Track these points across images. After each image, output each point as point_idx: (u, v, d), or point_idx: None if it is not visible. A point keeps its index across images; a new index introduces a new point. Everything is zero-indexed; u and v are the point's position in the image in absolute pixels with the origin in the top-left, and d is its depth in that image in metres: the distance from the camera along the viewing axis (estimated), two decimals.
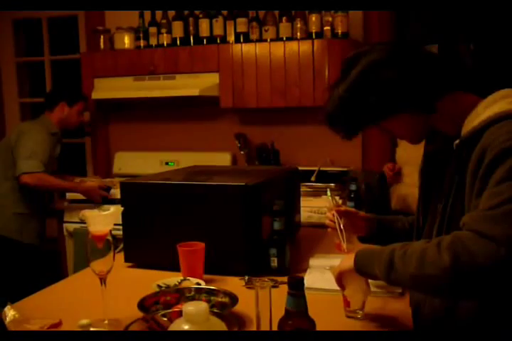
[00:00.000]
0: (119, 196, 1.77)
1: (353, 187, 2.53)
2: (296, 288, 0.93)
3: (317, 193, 2.91)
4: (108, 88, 3.34)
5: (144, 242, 1.75)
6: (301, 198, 2.40)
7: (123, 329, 1.06)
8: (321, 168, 3.14)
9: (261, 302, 0.99)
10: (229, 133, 3.39)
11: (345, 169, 3.16)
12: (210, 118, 3.55)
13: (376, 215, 1.59)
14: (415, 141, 1.33)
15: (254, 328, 1.07)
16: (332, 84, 1.27)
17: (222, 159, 3.41)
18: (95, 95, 3.33)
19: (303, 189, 3.02)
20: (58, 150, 3.14)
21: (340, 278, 1.28)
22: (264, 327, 1.03)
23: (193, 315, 0.79)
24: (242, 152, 3.33)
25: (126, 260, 1.79)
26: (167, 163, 3.51)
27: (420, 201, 1.38)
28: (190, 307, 0.79)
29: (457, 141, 1.18)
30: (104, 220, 1.26)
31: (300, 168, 2.59)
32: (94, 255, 1.28)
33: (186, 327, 0.80)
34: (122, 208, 1.29)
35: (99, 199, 3.00)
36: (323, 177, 3.10)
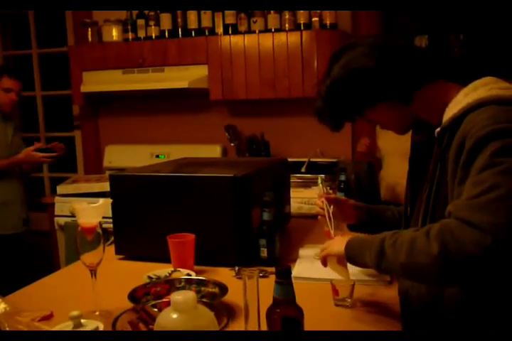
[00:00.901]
0: (108, 188, 1.77)
1: (342, 177, 2.54)
2: (284, 276, 0.94)
3: (307, 184, 2.92)
4: (97, 81, 3.32)
5: (135, 234, 1.76)
6: (292, 189, 2.41)
7: (113, 320, 1.07)
8: (311, 159, 3.15)
9: (249, 291, 1.00)
10: (219, 125, 3.39)
11: (335, 160, 3.17)
12: (199, 111, 3.55)
13: (366, 204, 1.60)
14: (400, 131, 1.34)
15: (242, 317, 1.09)
16: (319, 79, 1.31)
17: (212, 151, 3.41)
18: (84, 88, 3.32)
19: (293, 180, 3.03)
20: (9, 136, 2.97)
21: (326, 260, 1.31)
22: (253, 315, 1.04)
23: (181, 303, 0.80)
24: (232, 144, 3.33)
25: (117, 252, 1.80)
26: (157, 156, 3.51)
27: (408, 190, 1.40)
28: (177, 297, 0.80)
29: (438, 129, 1.20)
30: (93, 212, 1.27)
31: (290, 159, 2.60)
32: (84, 247, 1.29)
33: (174, 316, 0.81)
34: (111, 200, 1.30)
35: (43, 160, 2.88)
36: (314, 168, 3.11)
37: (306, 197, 2.58)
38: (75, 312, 1.13)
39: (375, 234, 1.42)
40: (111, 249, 1.82)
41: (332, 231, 1.44)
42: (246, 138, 3.33)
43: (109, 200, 1.31)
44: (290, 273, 0.95)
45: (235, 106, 3.47)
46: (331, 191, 1.70)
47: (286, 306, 0.96)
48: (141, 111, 3.68)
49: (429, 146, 1.30)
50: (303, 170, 3.11)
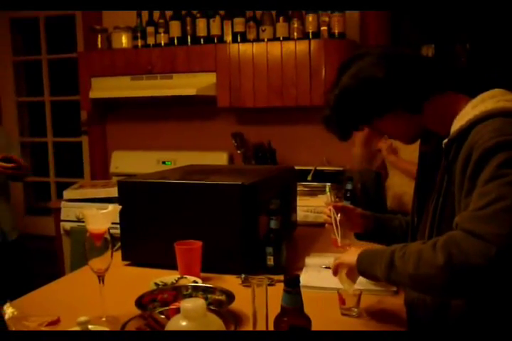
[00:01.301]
0: (114, 194, 1.78)
1: (349, 186, 2.55)
2: (292, 285, 0.94)
3: (313, 192, 2.92)
4: (105, 87, 3.34)
5: (142, 241, 1.77)
6: (298, 197, 2.42)
7: (121, 327, 1.07)
8: (318, 168, 3.16)
9: (257, 299, 1.01)
10: (226, 133, 3.40)
11: (341, 168, 3.17)
12: (207, 118, 3.56)
13: (373, 213, 1.60)
14: (408, 141, 1.35)
15: (250, 325, 1.09)
16: (328, 89, 1.31)
17: (219, 158, 3.42)
18: (93, 94, 3.34)
19: (299, 188, 3.03)
20: None
21: (337, 269, 1.32)
22: (261, 324, 1.04)
23: (191, 311, 0.80)
24: (238, 151, 3.34)
25: (124, 258, 1.81)
26: (164, 162, 3.52)
27: (415, 200, 1.40)
28: (187, 304, 0.80)
29: (445, 140, 1.21)
30: (102, 218, 1.28)
31: (297, 168, 2.61)
32: (92, 253, 1.30)
33: (184, 324, 0.81)
34: (120, 206, 1.30)
35: (4, 171, 2.66)
36: (320, 176, 3.12)
37: (313, 206, 2.58)
38: (83, 318, 1.13)
39: (383, 243, 1.43)
40: (117, 255, 1.83)
41: (339, 240, 1.45)
42: (253, 145, 3.34)
43: (119, 207, 1.31)
44: (299, 281, 0.95)
45: (243, 114, 3.48)
46: (337, 199, 1.71)
47: (294, 315, 0.97)
48: (149, 117, 3.70)
49: (436, 157, 1.30)
50: (309, 178, 3.11)
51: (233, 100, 3.15)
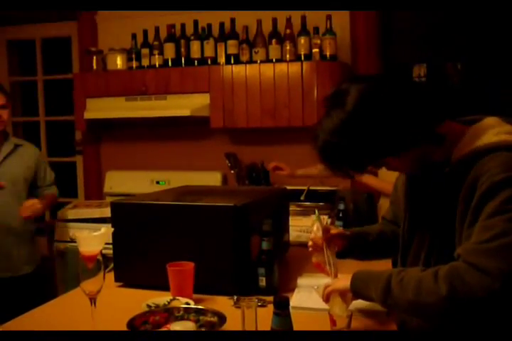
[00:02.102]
0: (108, 214, 1.79)
1: (341, 206, 2.57)
2: (281, 307, 0.95)
3: (306, 212, 2.93)
4: (100, 108, 3.37)
5: (134, 262, 1.77)
6: (291, 217, 2.43)
7: None
8: (311, 188, 3.17)
9: (247, 321, 1.01)
10: (219, 153, 3.42)
11: (334, 188, 3.19)
12: (200, 138, 3.59)
13: (349, 232, 1.59)
14: (415, 172, 1.34)
15: None
16: (317, 129, 1.24)
17: (212, 178, 3.44)
18: (87, 115, 3.37)
19: (292, 208, 3.05)
20: None
21: (329, 296, 1.32)
22: None
23: None
24: (232, 171, 3.36)
25: (116, 279, 1.81)
26: (158, 182, 3.53)
27: (406, 224, 1.41)
28: (177, 327, 0.81)
29: (447, 170, 1.22)
30: (94, 241, 1.28)
31: (289, 188, 2.62)
32: (84, 275, 1.30)
33: None
34: (113, 229, 1.32)
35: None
36: (313, 196, 3.13)
37: (305, 226, 2.59)
38: None
39: (360, 259, 1.47)
40: (110, 276, 1.83)
41: (332, 273, 1.45)
42: (246, 166, 3.36)
43: (111, 228, 1.32)
44: (288, 304, 0.96)
45: (236, 134, 3.51)
46: (328, 222, 1.70)
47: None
48: (143, 137, 3.72)
49: (427, 180, 1.32)
50: (302, 198, 3.12)
51: (226, 121, 3.18)
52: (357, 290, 1.25)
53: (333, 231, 1.53)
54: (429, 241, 1.29)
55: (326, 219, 2.71)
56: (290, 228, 2.37)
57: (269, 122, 3.12)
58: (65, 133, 4.03)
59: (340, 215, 2.55)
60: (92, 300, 1.31)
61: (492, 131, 1.21)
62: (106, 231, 1.30)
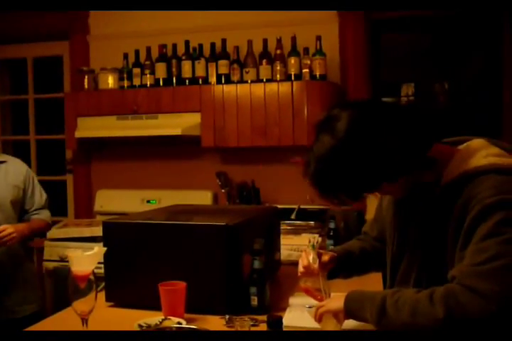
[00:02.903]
0: (98, 233, 1.79)
1: (331, 225, 2.58)
2: (275, 326, 0.96)
3: (297, 231, 2.94)
4: (91, 127, 3.38)
5: (126, 281, 1.77)
6: (281, 236, 2.43)
7: None
8: (301, 206, 3.18)
9: None
10: (210, 172, 3.43)
11: (324, 207, 3.20)
12: (191, 157, 3.60)
13: (334, 254, 1.58)
14: (401, 196, 1.36)
15: None
16: (309, 156, 1.25)
17: (203, 197, 3.44)
18: (78, 134, 3.37)
19: (283, 227, 3.05)
20: None
21: (322, 317, 1.33)
22: None
23: None
24: (223, 190, 3.36)
25: (108, 299, 1.80)
26: (148, 201, 3.52)
27: (395, 244, 1.42)
28: None
29: (437, 192, 1.24)
30: (87, 260, 1.29)
31: (280, 206, 2.63)
32: (76, 295, 1.30)
33: None
34: (105, 248, 1.32)
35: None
36: (303, 215, 3.14)
37: (296, 244, 2.59)
38: None
39: (347, 278, 1.53)
40: (101, 296, 1.82)
41: (325, 297, 1.45)
42: (237, 184, 3.37)
43: (104, 248, 1.32)
44: (281, 323, 0.96)
45: (227, 153, 3.53)
46: (319, 240, 1.69)
47: None
48: (134, 156, 3.72)
49: (415, 200, 1.34)
50: (293, 217, 3.13)
51: (217, 140, 3.20)
52: (351, 311, 1.25)
53: (326, 257, 1.53)
54: (419, 262, 1.31)
55: (316, 237, 2.71)
56: (281, 247, 2.37)
57: (259, 141, 3.14)
58: (56, 152, 4.02)
59: (331, 234, 2.56)
60: (84, 320, 1.30)
61: (480, 153, 1.23)
62: (98, 250, 1.30)
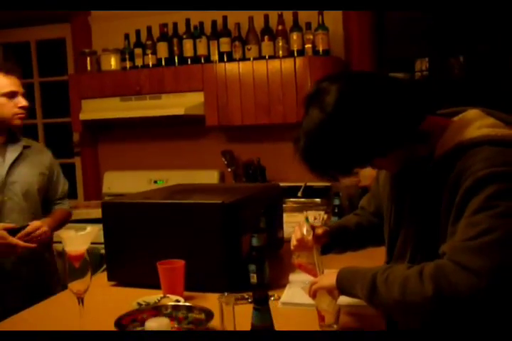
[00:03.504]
0: (94, 215, 1.79)
1: (336, 201, 2.56)
2: (261, 303, 0.95)
3: (303, 208, 2.93)
4: (95, 109, 3.38)
5: (126, 261, 1.78)
6: (287, 214, 2.43)
7: None
8: (308, 184, 3.17)
9: (226, 317, 1.01)
10: (216, 151, 3.42)
11: (330, 184, 3.18)
12: (197, 137, 3.59)
13: (329, 228, 1.56)
14: (397, 170, 1.32)
15: None
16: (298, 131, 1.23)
17: (210, 177, 3.44)
18: (83, 116, 3.37)
19: (289, 204, 3.06)
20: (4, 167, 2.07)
21: (316, 293, 1.32)
22: None
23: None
24: (229, 169, 3.36)
25: (109, 278, 1.82)
26: (156, 182, 3.53)
27: (392, 219, 1.39)
28: (152, 324, 0.81)
29: (430, 165, 1.21)
30: (80, 240, 1.29)
31: (286, 184, 2.62)
32: (71, 275, 1.30)
33: None
34: (98, 227, 1.32)
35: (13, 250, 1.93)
36: (310, 192, 3.13)
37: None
38: None
39: (341, 253, 1.51)
40: (103, 275, 1.84)
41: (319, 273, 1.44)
42: (243, 163, 3.36)
43: (97, 227, 1.33)
44: (267, 299, 0.96)
45: (232, 132, 3.51)
46: (324, 217, 1.67)
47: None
48: (140, 137, 3.73)
49: (410, 173, 1.31)
50: (299, 194, 3.12)
51: (221, 119, 3.18)
52: (343, 288, 1.24)
53: (320, 230, 1.51)
54: (414, 237, 1.28)
55: (322, 214, 2.70)
56: (285, 224, 2.36)
57: (263, 119, 3.11)
58: (63, 135, 4.04)
59: (336, 211, 2.54)
60: (80, 299, 1.31)
61: (474, 124, 1.19)
62: (91, 230, 1.31)
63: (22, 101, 2.08)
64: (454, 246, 1.07)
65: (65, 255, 1.30)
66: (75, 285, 1.30)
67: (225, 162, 3.35)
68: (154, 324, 0.80)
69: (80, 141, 3.85)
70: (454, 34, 4.11)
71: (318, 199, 3.00)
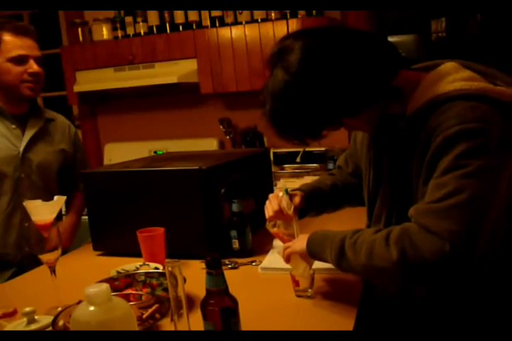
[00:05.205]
0: None
1: (331, 166, 2.52)
2: (213, 266, 0.93)
3: (300, 174, 2.91)
4: (89, 80, 3.34)
5: (110, 231, 1.78)
6: (284, 179, 2.40)
7: (54, 317, 1.07)
8: (307, 149, 3.12)
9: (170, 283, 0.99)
10: (214, 119, 3.38)
11: (331, 148, 3.13)
12: (194, 105, 3.55)
13: (302, 193, 1.49)
14: (371, 131, 1.27)
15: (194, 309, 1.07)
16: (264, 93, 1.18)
17: (209, 145, 3.41)
18: (77, 88, 3.34)
19: (287, 170, 3.03)
20: (22, 144, 1.88)
21: (289, 258, 1.30)
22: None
23: (94, 296, 0.80)
24: (227, 137, 3.32)
25: (95, 249, 1.82)
26: (155, 152, 3.52)
27: (370, 180, 1.35)
28: (91, 289, 0.80)
29: (402, 123, 1.15)
30: (46, 209, 1.28)
31: (285, 150, 2.57)
32: (40, 244, 1.30)
33: (91, 308, 0.81)
34: (65, 197, 1.30)
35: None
36: (309, 157, 3.08)
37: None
38: (28, 309, 1.16)
39: (316, 216, 1.48)
40: (89, 246, 1.85)
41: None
42: (241, 130, 3.32)
43: (63, 197, 1.31)
44: (220, 263, 0.94)
45: (228, 99, 3.46)
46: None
47: (219, 297, 0.95)
48: (138, 108, 3.69)
49: (386, 134, 1.25)
50: (298, 160, 3.08)
51: (216, 86, 3.12)
52: (313, 253, 1.21)
53: (297, 199, 1.44)
54: (390, 199, 1.24)
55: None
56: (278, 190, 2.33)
57: (258, 84, 3.02)
58: (63, 109, 4.01)
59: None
60: (51, 268, 1.31)
61: (448, 78, 1.11)
62: (57, 199, 1.29)
63: (33, 66, 1.83)
64: (420, 209, 1.03)
65: (32, 225, 1.29)
66: (45, 255, 1.29)
67: (223, 129, 3.31)
68: (93, 290, 0.78)
69: (79, 114, 3.83)
70: None
71: (315, 165, 2.96)
